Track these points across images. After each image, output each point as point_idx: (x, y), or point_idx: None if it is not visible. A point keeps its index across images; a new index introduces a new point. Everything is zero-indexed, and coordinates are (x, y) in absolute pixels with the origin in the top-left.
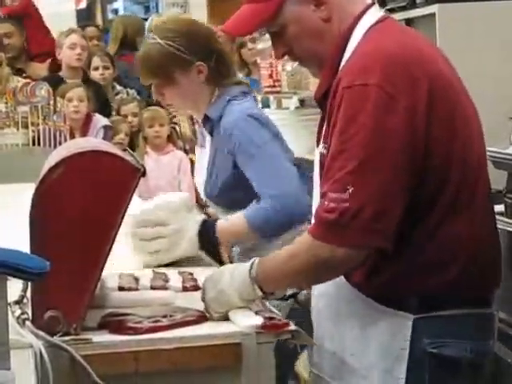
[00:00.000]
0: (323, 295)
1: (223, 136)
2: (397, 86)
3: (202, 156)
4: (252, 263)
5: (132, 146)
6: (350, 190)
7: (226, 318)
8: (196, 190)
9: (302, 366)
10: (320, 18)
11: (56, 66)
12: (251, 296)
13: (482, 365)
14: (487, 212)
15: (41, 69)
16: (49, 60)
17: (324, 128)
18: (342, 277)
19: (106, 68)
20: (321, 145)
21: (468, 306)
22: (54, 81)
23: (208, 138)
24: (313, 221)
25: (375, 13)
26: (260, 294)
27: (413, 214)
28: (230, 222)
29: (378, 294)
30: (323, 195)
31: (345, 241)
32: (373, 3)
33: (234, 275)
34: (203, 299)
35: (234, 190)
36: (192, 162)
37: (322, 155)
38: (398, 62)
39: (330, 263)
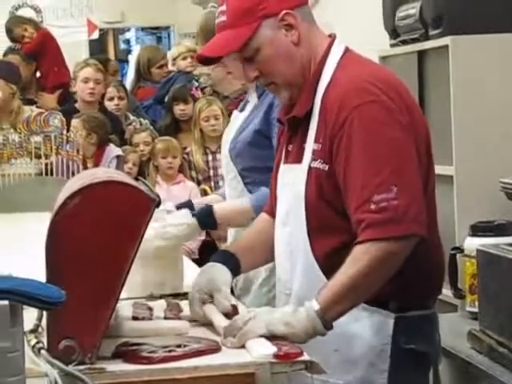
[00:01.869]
0: (303, 296)
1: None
2: (393, 99)
3: (238, 118)
4: (312, 301)
5: (142, 175)
6: (395, 190)
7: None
8: None
9: None
10: (291, 42)
11: (66, 97)
12: (318, 329)
13: (437, 358)
14: (437, 226)
15: (51, 100)
16: (59, 91)
17: (310, 145)
18: (324, 278)
19: (120, 98)
20: (307, 161)
21: (430, 308)
22: (69, 112)
23: (252, 103)
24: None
25: (339, 45)
26: (324, 330)
27: None
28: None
29: None
30: (363, 203)
31: (405, 232)
32: (335, 37)
33: (298, 311)
34: (251, 317)
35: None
36: (205, 192)
37: (315, 170)
38: (387, 80)
39: (392, 257)
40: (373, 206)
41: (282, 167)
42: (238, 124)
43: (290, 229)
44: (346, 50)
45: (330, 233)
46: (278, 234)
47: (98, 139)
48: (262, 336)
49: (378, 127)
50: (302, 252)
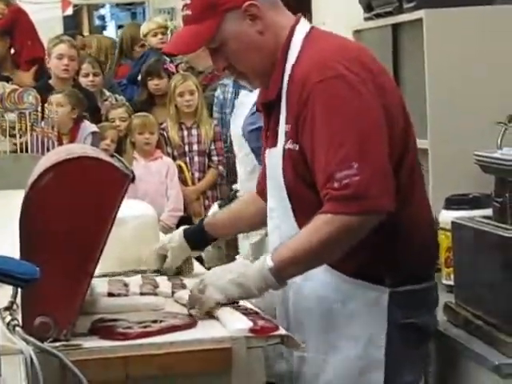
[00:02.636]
0: (299, 278)
1: None
2: (358, 73)
3: (250, 96)
4: (265, 256)
5: (119, 151)
6: (356, 166)
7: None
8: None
9: None
10: (256, 31)
11: (41, 74)
12: (266, 285)
13: (435, 330)
14: (428, 203)
15: (26, 76)
16: (34, 68)
17: (283, 127)
18: None
19: (95, 75)
20: (282, 142)
21: (427, 280)
22: (44, 88)
23: None
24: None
25: (305, 24)
26: (277, 284)
27: None
28: None
29: (356, 271)
30: (328, 178)
31: (365, 209)
32: (300, 16)
33: (250, 268)
34: (204, 286)
35: None
36: (180, 168)
37: (288, 151)
38: (352, 53)
39: (352, 231)
40: (336, 184)
41: (266, 152)
42: (249, 102)
43: (278, 213)
44: (312, 28)
45: (314, 212)
46: (268, 221)
47: (78, 115)
48: (220, 303)
49: (338, 103)
50: (290, 234)
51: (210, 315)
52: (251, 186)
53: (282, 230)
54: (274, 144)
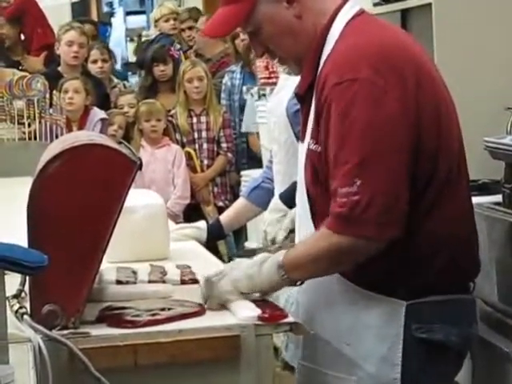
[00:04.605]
0: (312, 288)
1: None
2: (385, 78)
3: (288, 82)
4: (281, 252)
5: (127, 137)
6: (358, 183)
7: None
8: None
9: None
10: (293, 15)
11: (51, 60)
12: (279, 283)
13: (466, 348)
14: (468, 204)
15: (36, 62)
16: (44, 53)
17: (310, 124)
18: None
19: (104, 61)
20: (307, 141)
21: (453, 293)
22: (53, 75)
23: None
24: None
25: (350, 8)
26: (283, 281)
27: None
28: None
29: (370, 283)
30: (334, 192)
31: (359, 232)
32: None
33: (263, 263)
34: (221, 277)
35: None
36: (189, 155)
37: (310, 151)
38: (385, 53)
39: (351, 252)
40: (338, 199)
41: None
42: (291, 85)
43: (300, 212)
44: (357, 14)
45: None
46: (296, 217)
47: (90, 102)
48: (234, 296)
49: (352, 110)
50: (307, 235)
51: (220, 305)
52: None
53: (301, 229)
54: (303, 140)
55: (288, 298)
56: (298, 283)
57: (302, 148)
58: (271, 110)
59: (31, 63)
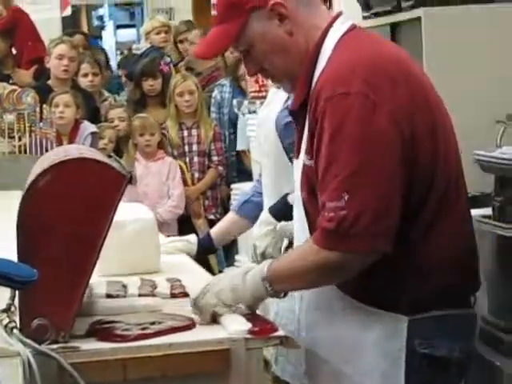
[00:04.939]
0: (313, 304)
1: None
2: (378, 92)
3: (279, 94)
4: (265, 263)
5: (118, 151)
6: (346, 198)
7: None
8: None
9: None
10: (285, 32)
11: (41, 73)
12: (262, 295)
13: (468, 363)
14: (468, 217)
15: (26, 75)
16: (34, 67)
17: (304, 139)
18: (333, 285)
19: (95, 75)
20: (302, 156)
21: (455, 308)
22: (43, 89)
23: None
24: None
25: (342, 24)
26: (267, 292)
27: (401, 221)
28: None
29: (371, 298)
30: (322, 206)
31: (347, 247)
32: (339, 14)
33: (247, 275)
34: (206, 291)
35: None
36: (180, 168)
37: (305, 166)
38: (377, 67)
39: (338, 268)
40: (325, 213)
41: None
42: (280, 98)
43: (297, 225)
44: (350, 28)
45: None
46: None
47: (80, 115)
48: (219, 308)
49: (344, 125)
50: None
51: (212, 320)
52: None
53: (299, 243)
54: (298, 156)
55: (277, 311)
56: (281, 295)
57: (298, 164)
58: (260, 123)
59: (20, 76)
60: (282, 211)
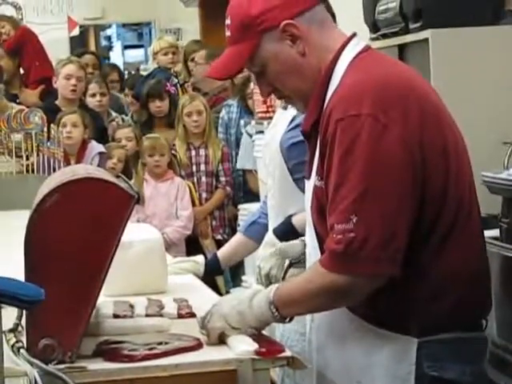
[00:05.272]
0: (324, 326)
1: None
2: (389, 115)
3: (285, 115)
4: (271, 288)
5: (126, 171)
6: (354, 220)
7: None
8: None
9: None
10: (298, 53)
11: (48, 93)
12: (269, 319)
13: None
14: (480, 239)
15: (32, 95)
16: (41, 87)
17: (315, 160)
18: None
19: (103, 95)
20: (313, 177)
21: (466, 330)
22: (50, 109)
23: None
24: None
25: (355, 46)
26: (273, 317)
27: (410, 243)
28: None
29: (381, 320)
30: (331, 228)
31: (355, 270)
32: (353, 35)
33: (253, 299)
34: (213, 313)
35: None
36: (189, 188)
37: (316, 188)
38: (389, 90)
39: (346, 291)
40: (334, 235)
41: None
42: (285, 119)
43: (309, 248)
44: (363, 50)
45: None
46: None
47: (88, 135)
48: (226, 330)
49: (355, 148)
50: None
51: (219, 340)
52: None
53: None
54: (309, 176)
55: (283, 332)
56: (287, 320)
57: (309, 185)
58: (266, 144)
59: (27, 96)
60: (286, 232)
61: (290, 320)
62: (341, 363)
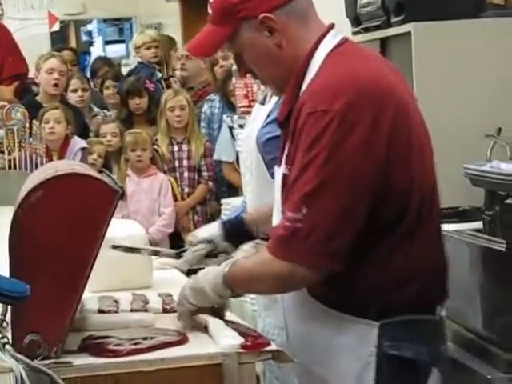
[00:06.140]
0: (291, 312)
1: None
2: (360, 114)
3: (262, 110)
4: (226, 263)
5: (108, 166)
6: (304, 211)
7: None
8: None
9: None
10: (274, 44)
11: (22, 90)
12: (222, 293)
13: (435, 366)
14: (439, 234)
15: (6, 91)
16: (15, 83)
17: (286, 150)
18: (307, 292)
19: (84, 90)
20: (283, 166)
21: (423, 314)
22: (31, 105)
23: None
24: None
25: (333, 38)
26: (229, 292)
27: (372, 237)
28: None
29: (341, 305)
30: (283, 214)
31: (296, 259)
32: (331, 27)
33: (209, 271)
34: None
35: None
36: (171, 183)
37: (284, 176)
38: (361, 89)
39: (287, 278)
40: (284, 221)
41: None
42: (262, 116)
43: None
44: (341, 42)
45: None
46: None
47: (71, 131)
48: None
49: (319, 142)
50: None
51: (198, 328)
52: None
53: None
54: (280, 164)
55: (264, 327)
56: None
57: (278, 173)
58: (244, 139)
59: (2, 93)
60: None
61: (240, 295)
62: (309, 348)
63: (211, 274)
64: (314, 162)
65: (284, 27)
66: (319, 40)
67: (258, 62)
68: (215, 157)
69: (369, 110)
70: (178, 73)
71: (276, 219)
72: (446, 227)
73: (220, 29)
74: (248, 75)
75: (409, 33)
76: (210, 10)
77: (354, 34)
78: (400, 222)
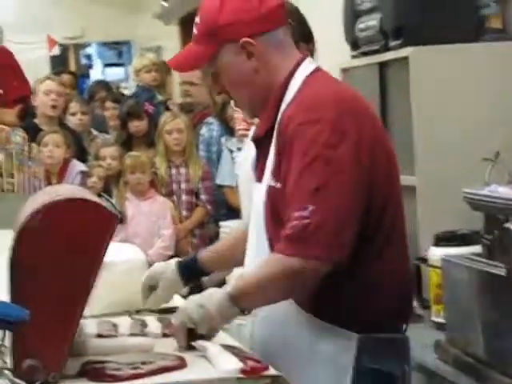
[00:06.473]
0: (268, 319)
1: None
2: (347, 123)
3: None
4: (230, 283)
5: (108, 189)
6: (310, 209)
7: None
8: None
9: None
10: (251, 68)
11: (26, 113)
12: (229, 313)
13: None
14: (407, 255)
15: (8, 114)
16: (19, 106)
17: (270, 164)
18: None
19: (83, 113)
20: (268, 179)
21: (396, 332)
22: (30, 128)
23: None
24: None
25: (309, 65)
26: (236, 309)
27: (358, 241)
28: None
29: (324, 313)
30: (288, 219)
31: (307, 253)
32: (304, 57)
33: (213, 293)
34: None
35: None
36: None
37: (270, 188)
38: (344, 103)
39: (300, 274)
40: (290, 223)
41: (253, 187)
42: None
43: (256, 249)
44: (316, 70)
45: None
46: (246, 256)
47: (70, 154)
48: (192, 329)
49: (313, 148)
50: None
51: (191, 347)
52: None
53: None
54: (260, 180)
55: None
56: (246, 312)
57: (260, 188)
58: (240, 163)
59: (5, 116)
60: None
61: (249, 312)
62: (283, 354)
63: (216, 292)
64: (310, 166)
65: (262, 53)
66: (297, 65)
67: (234, 84)
68: (218, 181)
69: (353, 121)
70: (179, 98)
71: (253, 240)
72: (445, 251)
73: (202, 48)
74: (223, 94)
75: (407, 57)
76: (194, 30)
77: (353, 57)
78: (380, 227)
